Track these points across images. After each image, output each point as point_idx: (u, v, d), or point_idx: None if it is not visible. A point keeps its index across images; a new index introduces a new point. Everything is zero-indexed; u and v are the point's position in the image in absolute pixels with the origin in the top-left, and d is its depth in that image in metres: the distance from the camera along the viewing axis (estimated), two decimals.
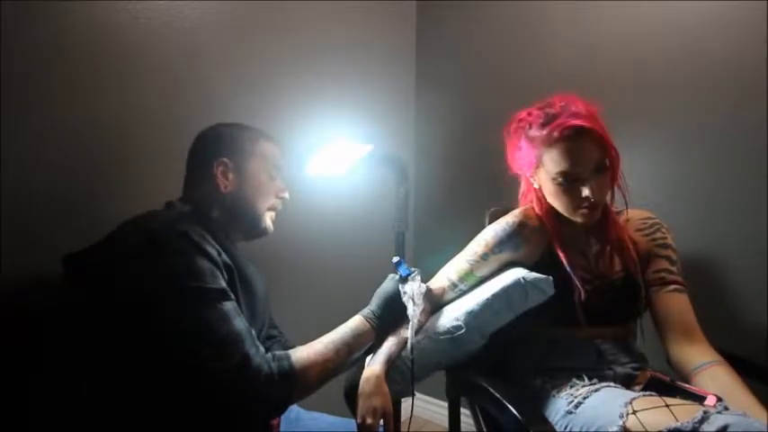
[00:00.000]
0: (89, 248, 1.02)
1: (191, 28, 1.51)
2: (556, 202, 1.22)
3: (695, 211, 1.61)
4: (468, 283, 1.28)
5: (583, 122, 1.12)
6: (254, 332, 0.99)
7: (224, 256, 1.02)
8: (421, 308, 1.11)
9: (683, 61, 1.61)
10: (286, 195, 1.24)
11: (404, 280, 1.14)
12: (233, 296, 0.99)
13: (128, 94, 1.39)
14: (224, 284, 0.98)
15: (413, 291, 1.11)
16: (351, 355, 1.07)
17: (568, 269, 1.22)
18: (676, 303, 1.22)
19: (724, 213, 1.57)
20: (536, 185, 1.27)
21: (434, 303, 1.28)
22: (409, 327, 1.10)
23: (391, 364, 1.12)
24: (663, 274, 1.25)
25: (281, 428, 1.18)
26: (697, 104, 1.60)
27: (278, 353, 0.99)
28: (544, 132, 1.15)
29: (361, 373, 1.10)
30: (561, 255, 1.23)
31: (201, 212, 1.11)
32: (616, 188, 1.23)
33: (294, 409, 1.28)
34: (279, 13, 1.73)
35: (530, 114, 1.22)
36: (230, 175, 1.13)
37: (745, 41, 1.50)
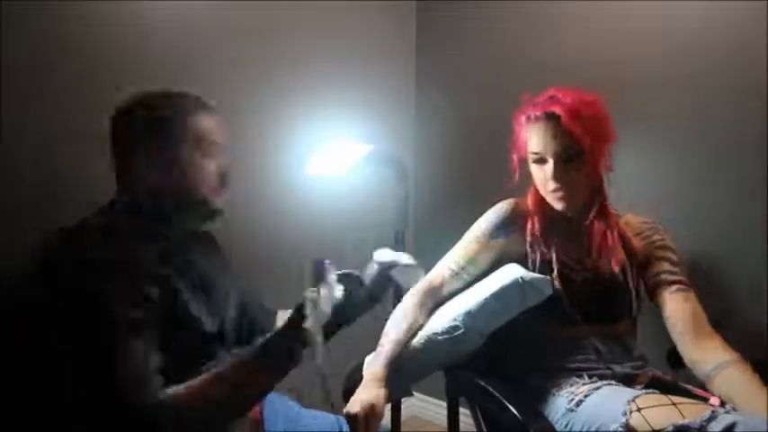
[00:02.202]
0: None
1: (190, 28, 1.51)
2: (535, 181, 1.25)
3: (695, 210, 1.61)
4: (467, 270, 1.28)
5: (553, 108, 1.15)
6: (148, 369, 0.88)
7: (155, 266, 0.94)
8: (325, 318, 0.97)
9: (684, 61, 1.61)
10: (226, 165, 1.08)
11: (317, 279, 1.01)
12: (139, 326, 0.89)
13: (127, 95, 1.39)
14: (132, 312, 0.88)
15: (323, 294, 0.98)
16: (236, 388, 0.94)
17: (528, 250, 1.24)
18: (682, 304, 1.20)
19: (724, 213, 1.56)
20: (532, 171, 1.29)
21: (435, 295, 1.28)
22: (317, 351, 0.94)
23: (392, 365, 1.12)
24: (664, 276, 1.23)
25: (282, 427, 1.18)
26: (697, 104, 1.59)
27: (158, 399, 0.87)
28: (523, 115, 1.22)
29: (361, 372, 1.10)
30: (533, 229, 1.25)
31: (127, 212, 1.01)
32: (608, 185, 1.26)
33: (295, 408, 1.27)
34: (278, 13, 1.73)
35: (524, 101, 1.26)
36: (155, 166, 1.00)
37: (746, 41, 1.49)
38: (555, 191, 1.19)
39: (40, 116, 1.25)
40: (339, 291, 1.06)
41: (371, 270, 1.20)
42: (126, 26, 1.38)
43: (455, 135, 2.15)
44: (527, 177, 1.31)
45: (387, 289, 1.23)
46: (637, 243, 1.28)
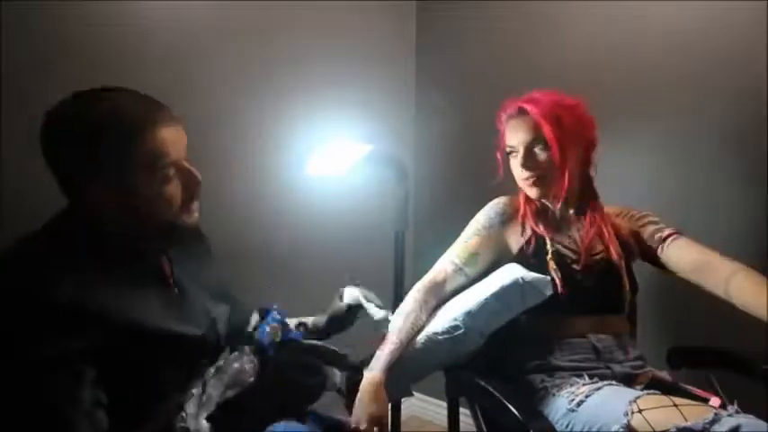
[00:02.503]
0: None
1: (189, 29, 1.51)
2: (515, 178, 1.32)
3: (696, 210, 1.61)
4: (469, 264, 1.29)
5: (524, 105, 1.26)
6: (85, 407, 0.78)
7: (101, 294, 0.82)
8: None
9: (684, 61, 1.61)
10: (197, 184, 0.93)
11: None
12: (72, 361, 0.78)
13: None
14: (59, 349, 0.77)
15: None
16: None
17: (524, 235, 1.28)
18: (684, 247, 1.25)
19: (724, 213, 1.56)
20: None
21: (438, 292, 1.28)
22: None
23: (391, 369, 1.12)
24: (657, 234, 1.29)
25: (280, 428, 1.17)
26: (697, 105, 1.59)
27: None
28: (504, 114, 1.32)
29: (361, 375, 1.10)
30: (530, 220, 1.30)
31: (78, 235, 0.88)
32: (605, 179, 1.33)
33: None
34: (278, 13, 1.73)
35: (506, 102, 1.34)
36: (111, 200, 0.87)
37: (746, 41, 1.49)
38: (526, 178, 1.27)
39: (40, 116, 1.25)
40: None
41: (338, 308, 1.16)
42: (126, 26, 1.38)
43: (455, 135, 2.15)
44: (513, 176, 1.35)
45: (346, 328, 1.19)
46: (622, 222, 1.35)
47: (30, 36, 1.22)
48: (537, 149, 1.26)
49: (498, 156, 1.37)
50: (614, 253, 1.27)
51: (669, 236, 1.28)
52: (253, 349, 0.93)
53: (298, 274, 1.82)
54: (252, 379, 0.91)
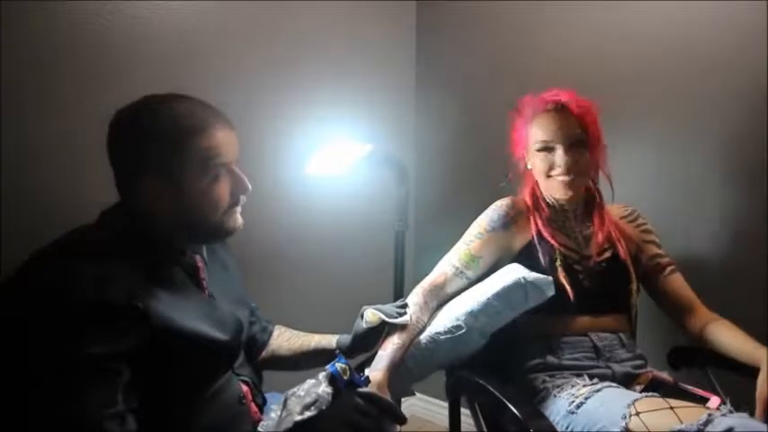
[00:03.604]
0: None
1: (190, 28, 1.51)
2: (537, 172, 1.30)
3: (696, 210, 1.61)
4: (470, 267, 1.29)
5: (561, 98, 1.26)
6: (119, 407, 0.78)
7: (139, 301, 0.82)
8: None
9: (684, 62, 1.61)
10: (245, 190, 1.00)
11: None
12: (112, 364, 0.79)
13: (126, 95, 1.39)
14: (112, 347, 0.78)
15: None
16: None
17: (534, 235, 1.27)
18: (677, 284, 1.33)
19: (724, 213, 1.57)
20: (529, 166, 1.33)
21: (438, 294, 1.28)
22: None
23: (393, 370, 1.12)
24: (657, 260, 1.34)
25: None
26: (698, 104, 1.59)
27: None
28: (531, 107, 1.29)
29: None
30: (537, 224, 1.29)
31: (133, 230, 0.92)
32: (603, 178, 1.34)
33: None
34: (278, 13, 1.73)
35: (525, 100, 1.33)
36: (164, 192, 0.91)
37: (746, 41, 1.49)
38: (562, 174, 1.24)
39: (40, 117, 1.25)
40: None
41: (360, 330, 1.16)
42: (126, 26, 1.38)
43: (455, 135, 2.15)
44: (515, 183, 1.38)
45: (371, 348, 1.19)
46: (626, 227, 1.36)
47: (30, 36, 1.22)
48: (577, 148, 1.24)
49: (516, 151, 1.35)
50: (622, 252, 1.29)
51: (668, 266, 1.34)
52: (328, 378, 0.99)
53: (298, 274, 1.82)
54: (325, 407, 0.96)
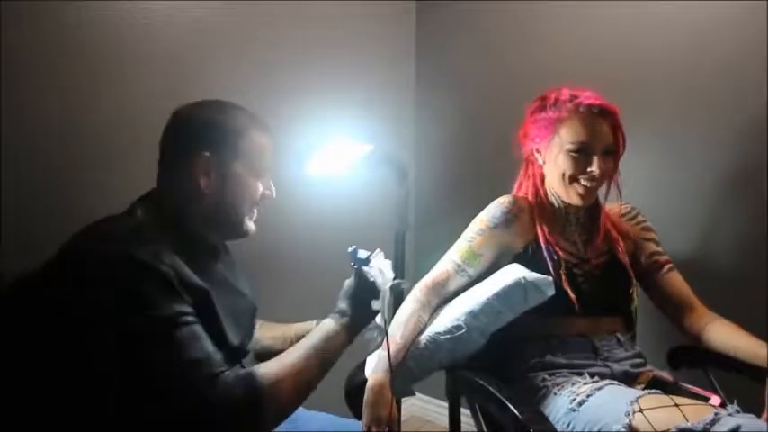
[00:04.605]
0: (39, 268, 0.93)
1: (190, 28, 1.51)
2: (556, 173, 1.26)
3: (696, 210, 1.61)
4: (471, 265, 1.29)
5: (608, 104, 1.24)
6: (218, 356, 0.89)
7: (189, 275, 0.91)
8: (391, 278, 1.07)
9: (684, 62, 1.61)
10: (271, 192, 1.10)
11: (364, 263, 1.07)
12: (191, 317, 0.88)
13: (127, 94, 1.39)
14: (178, 307, 0.87)
15: (379, 265, 1.07)
16: (325, 361, 0.97)
17: (545, 242, 1.26)
18: (676, 282, 1.33)
19: (724, 213, 1.57)
20: (541, 161, 1.31)
21: (439, 292, 1.28)
22: (381, 298, 1.04)
23: (394, 369, 1.12)
24: (656, 258, 1.35)
25: (279, 428, 1.18)
26: (697, 104, 1.59)
27: (242, 372, 0.89)
28: (570, 104, 1.24)
29: (362, 373, 1.10)
30: (543, 230, 1.28)
31: (169, 218, 0.99)
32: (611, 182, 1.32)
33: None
34: (278, 13, 1.73)
35: (557, 91, 1.29)
36: (212, 173, 0.99)
37: (746, 41, 1.49)
38: (590, 181, 1.23)
39: (40, 116, 1.25)
40: (387, 265, 1.09)
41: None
42: (126, 26, 1.38)
43: (455, 135, 2.15)
44: (513, 176, 1.39)
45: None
46: (625, 226, 1.36)
47: (30, 36, 1.22)
48: (608, 155, 1.24)
49: (526, 144, 1.33)
50: (621, 253, 1.29)
51: (666, 263, 1.34)
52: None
53: (297, 274, 1.82)
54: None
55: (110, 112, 1.36)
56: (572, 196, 1.27)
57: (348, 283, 1.08)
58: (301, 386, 0.93)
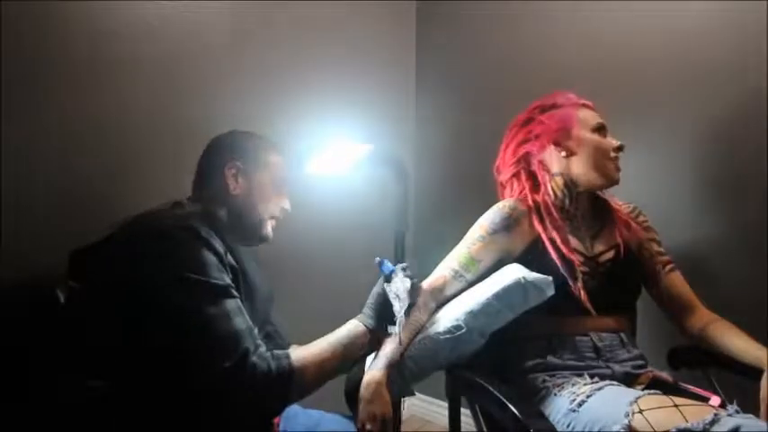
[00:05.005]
0: (94, 243, 1.04)
1: (191, 29, 1.52)
2: (594, 150, 1.30)
3: (696, 210, 1.61)
4: (470, 271, 1.28)
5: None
6: (255, 331, 0.99)
7: (229, 256, 1.03)
8: (407, 304, 1.12)
9: (684, 62, 1.61)
10: (287, 206, 1.27)
11: (388, 278, 1.15)
12: (237, 293, 1.00)
13: (127, 95, 1.39)
14: (228, 281, 0.99)
15: (397, 288, 1.13)
16: (347, 358, 1.08)
17: (547, 242, 1.27)
18: (677, 282, 1.34)
19: (724, 213, 1.57)
20: (563, 154, 1.32)
21: (437, 296, 1.28)
22: (397, 323, 1.11)
23: (392, 368, 1.12)
24: (657, 258, 1.36)
25: (279, 427, 1.18)
26: (698, 104, 1.60)
27: (277, 352, 1.00)
28: (572, 97, 1.34)
29: (362, 374, 1.10)
30: (546, 231, 1.28)
31: (209, 212, 1.12)
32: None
33: (291, 407, 1.27)
34: (279, 13, 1.73)
35: (549, 96, 1.36)
36: (240, 179, 1.17)
37: (746, 41, 1.50)
38: (619, 151, 1.30)
39: (40, 116, 1.25)
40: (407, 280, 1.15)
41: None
42: (126, 26, 1.38)
43: (455, 135, 2.15)
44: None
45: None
46: (631, 223, 1.37)
47: (30, 36, 1.22)
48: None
49: (547, 139, 1.34)
50: (626, 252, 1.30)
51: (668, 264, 1.35)
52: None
53: (297, 274, 1.82)
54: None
55: (110, 112, 1.36)
56: (611, 171, 1.30)
57: (375, 289, 1.17)
58: (323, 375, 1.04)
